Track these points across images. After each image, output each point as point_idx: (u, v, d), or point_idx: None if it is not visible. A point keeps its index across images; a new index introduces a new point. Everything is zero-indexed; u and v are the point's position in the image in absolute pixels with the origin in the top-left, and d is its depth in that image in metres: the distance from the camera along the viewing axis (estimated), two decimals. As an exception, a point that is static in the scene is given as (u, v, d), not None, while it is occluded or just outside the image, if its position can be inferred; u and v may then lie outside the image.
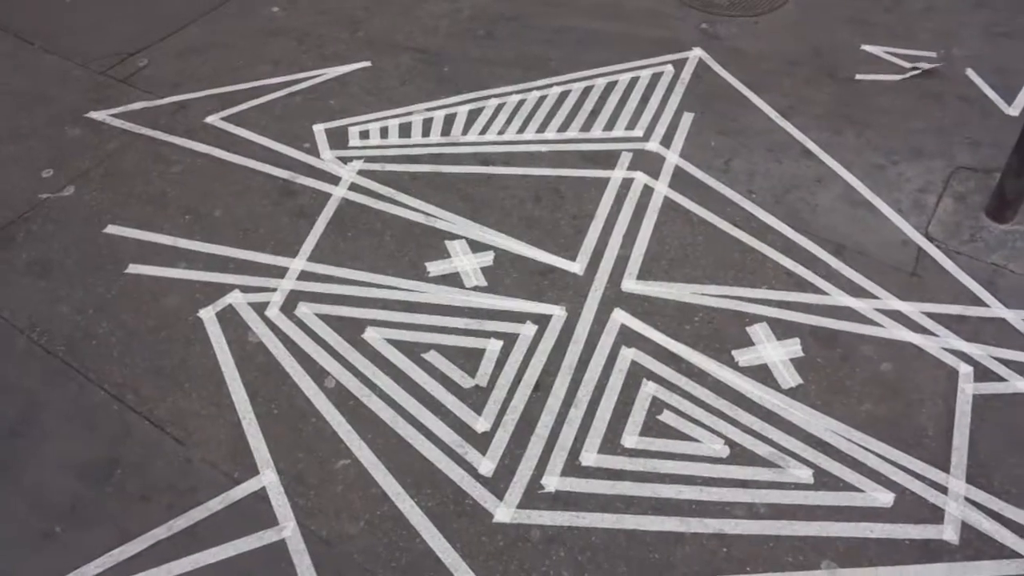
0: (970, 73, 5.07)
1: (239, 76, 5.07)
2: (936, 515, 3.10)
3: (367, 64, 5.17)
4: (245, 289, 3.85)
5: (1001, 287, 3.87)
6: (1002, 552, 3.00)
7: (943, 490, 3.17)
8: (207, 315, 3.74)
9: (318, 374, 3.52)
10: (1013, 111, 4.77)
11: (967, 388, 3.48)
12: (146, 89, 4.97)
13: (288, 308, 3.78)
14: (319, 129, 4.70)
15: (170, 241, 4.06)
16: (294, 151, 4.56)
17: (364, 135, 4.67)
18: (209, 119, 4.75)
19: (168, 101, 4.89)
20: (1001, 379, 3.51)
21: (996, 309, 3.77)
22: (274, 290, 3.85)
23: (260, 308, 3.77)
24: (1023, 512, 3.09)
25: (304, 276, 3.91)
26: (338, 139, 4.65)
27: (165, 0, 5.71)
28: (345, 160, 4.51)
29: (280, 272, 3.93)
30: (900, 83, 5.00)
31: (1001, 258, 3.98)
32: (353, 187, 4.35)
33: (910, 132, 4.68)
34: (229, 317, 3.74)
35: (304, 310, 3.77)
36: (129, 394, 3.46)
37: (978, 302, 3.80)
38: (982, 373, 3.53)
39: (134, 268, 3.94)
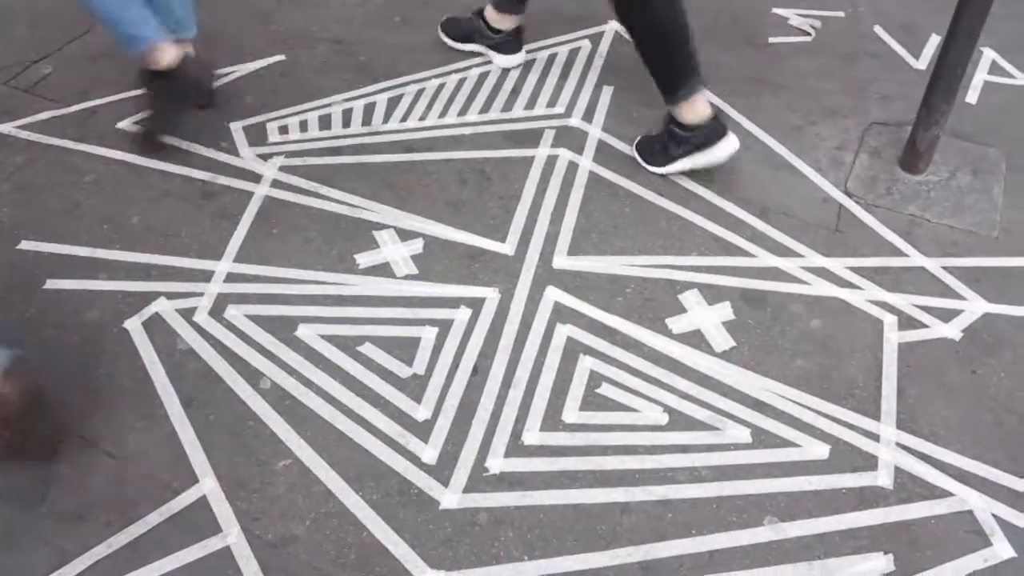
0: (878, 30, 5.18)
1: (149, 78, 4.92)
2: (870, 462, 3.19)
3: (282, 57, 5.08)
4: (171, 296, 3.76)
5: (919, 236, 3.98)
6: (933, 492, 3.10)
7: (875, 438, 3.26)
8: (133, 325, 3.65)
9: (252, 376, 3.47)
10: (920, 65, 4.90)
11: (892, 337, 3.58)
12: (53, 98, 4.80)
13: (217, 312, 3.70)
14: (236, 127, 4.61)
15: (88, 252, 3.94)
16: (211, 151, 4.46)
17: (283, 130, 4.59)
18: (121, 124, 4.62)
19: (77, 109, 4.73)
20: (924, 326, 3.61)
21: (915, 258, 3.88)
22: (201, 295, 3.77)
23: (188, 314, 3.69)
24: (951, 453, 3.20)
25: (231, 278, 3.84)
26: (257, 136, 4.56)
27: (64, 3, 5.50)
28: (265, 157, 4.43)
29: (206, 276, 3.84)
30: (812, 44, 5.09)
31: (917, 208, 4.09)
32: (275, 184, 4.28)
33: (824, 92, 4.77)
34: (156, 326, 3.65)
35: (233, 312, 3.70)
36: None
37: (898, 253, 3.91)
38: (906, 321, 3.64)
39: (52, 283, 3.82)
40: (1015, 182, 4.22)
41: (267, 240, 4.01)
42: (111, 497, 3.11)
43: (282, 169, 4.36)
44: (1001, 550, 2.95)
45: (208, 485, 3.13)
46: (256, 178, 4.31)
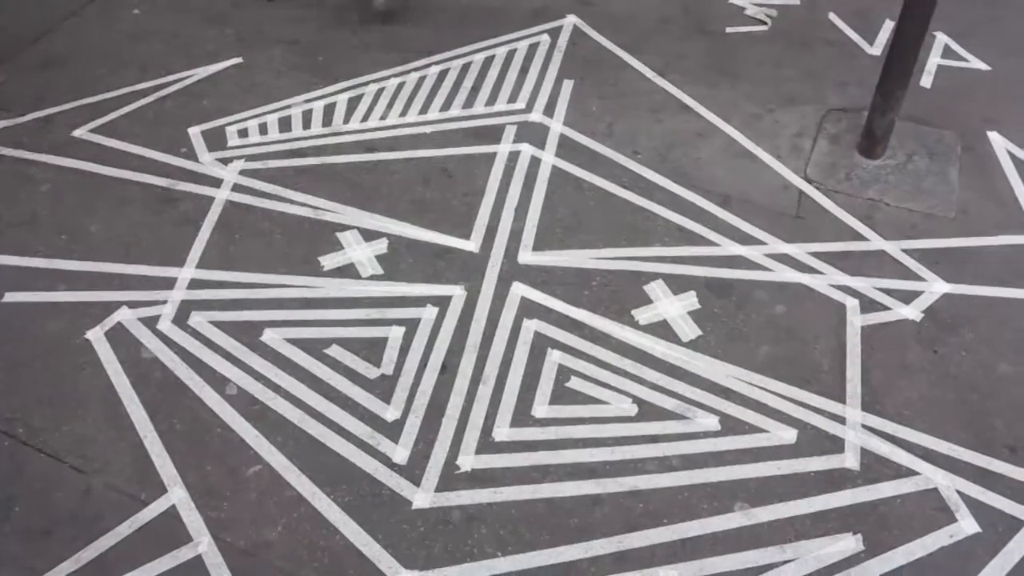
0: (833, 17, 5.24)
1: (104, 85, 4.86)
2: (837, 445, 3.23)
3: (239, 60, 5.03)
4: (133, 305, 3.71)
5: (878, 220, 4.03)
6: (899, 472, 3.14)
7: (841, 421, 3.30)
8: (95, 336, 3.60)
9: (219, 383, 3.44)
10: (875, 51, 4.96)
11: (855, 321, 3.62)
12: (5, 107, 4.72)
13: (181, 319, 3.66)
14: (195, 132, 4.56)
15: (47, 264, 3.88)
16: (171, 157, 4.41)
17: (243, 133, 4.55)
18: (77, 132, 4.55)
19: (31, 118, 4.65)
20: (885, 308, 3.66)
21: (875, 242, 3.93)
22: (164, 302, 3.73)
23: (151, 322, 3.65)
24: (915, 432, 3.25)
25: (194, 284, 3.80)
26: (216, 140, 4.51)
27: (16, 11, 5.41)
28: (225, 161, 4.39)
29: (168, 283, 3.80)
30: (769, 33, 5.13)
31: (876, 193, 4.14)
32: (236, 188, 4.24)
33: (782, 80, 4.82)
34: (119, 335, 3.60)
35: (198, 319, 3.66)
36: (20, 427, 3.31)
37: (858, 237, 3.96)
38: (868, 305, 3.68)
39: (11, 296, 3.75)
40: (970, 164, 4.29)
41: (230, 245, 3.97)
42: (78, 511, 3.07)
43: (243, 173, 4.32)
44: (966, 526, 3.00)
45: (177, 494, 3.10)
46: (216, 183, 4.27)
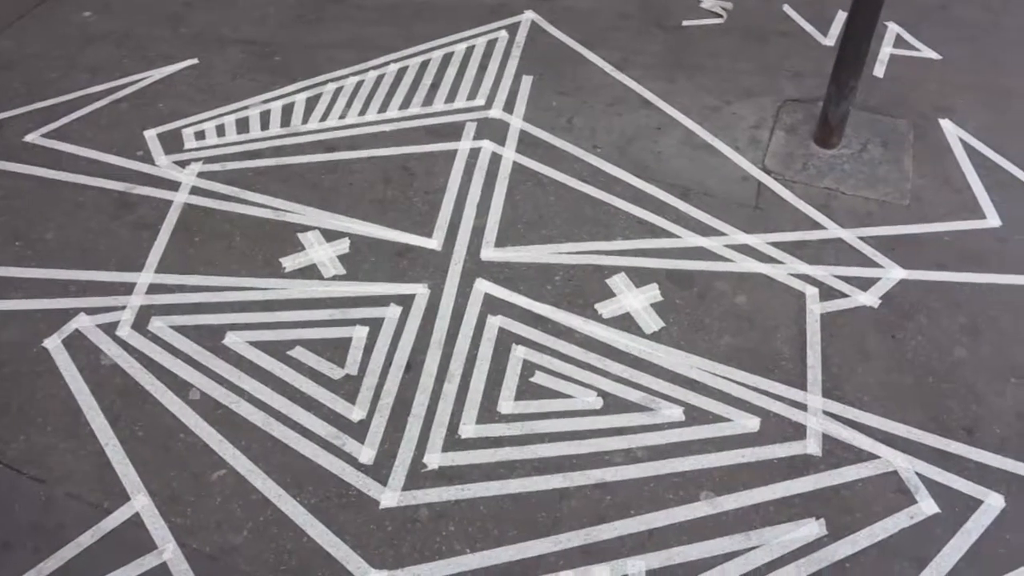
0: (787, 9, 5.30)
1: (57, 88, 4.78)
2: (799, 432, 3.27)
3: (194, 61, 4.97)
4: (91, 311, 3.66)
5: (835, 209, 4.08)
6: (860, 456, 3.19)
7: (803, 408, 3.34)
8: (52, 344, 3.54)
9: (181, 388, 3.40)
10: (829, 41, 5.03)
11: (815, 308, 3.67)
12: (-46, 113, 4.63)
13: (140, 324, 3.62)
14: (151, 135, 4.50)
15: (1, 272, 3.81)
16: (127, 161, 4.35)
17: (200, 135, 4.50)
18: (29, 138, 4.47)
19: (-19, 123, 4.57)
20: (844, 295, 3.72)
21: (833, 230, 3.98)
22: (123, 308, 3.68)
23: (110, 329, 3.60)
24: (875, 416, 3.30)
25: (153, 289, 3.76)
26: (172, 143, 4.46)
27: (-37, 15, 5.32)
28: (183, 164, 4.34)
29: (127, 288, 3.75)
30: (725, 25, 5.18)
31: (832, 181, 4.20)
32: (195, 191, 4.19)
33: (739, 72, 4.86)
34: (77, 343, 3.55)
35: (158, 324, 3.62)
36: (-23, 439, 3.26)
37: (816, 226, 4.01)
38: (826, 292, 3.73)
39: (-35, 305, 3.69)
40: (923, 151, 4.36)
41: (189, 248, 3.93)
42: (38, 522, 3.02)
43: (201, 175, 4.27)
44: (926, 507, 3.06)
45: (140, 502, 3.07)
46: (174, 186, 4.22)
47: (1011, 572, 2.90)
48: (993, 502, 3.07)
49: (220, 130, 4.53)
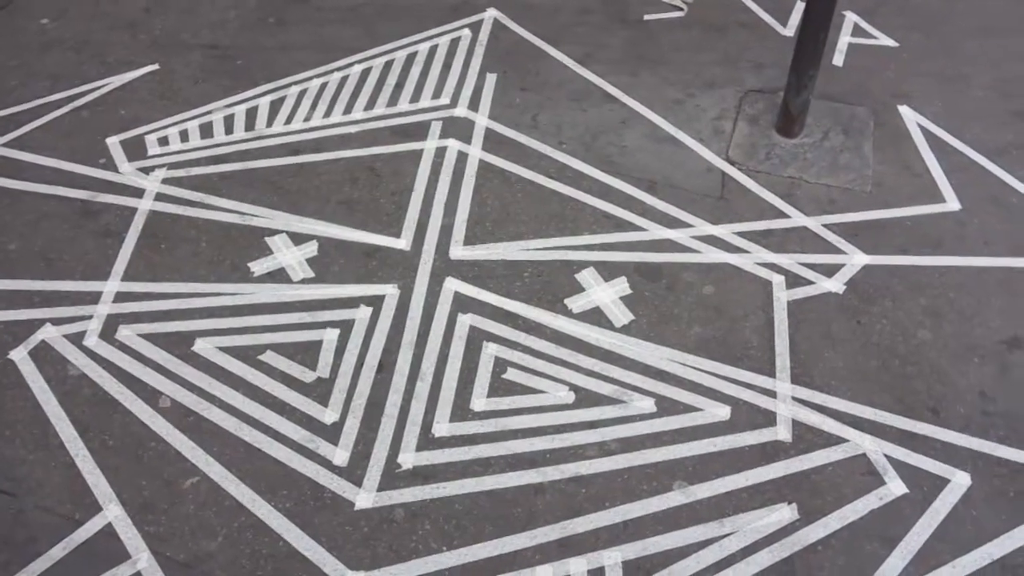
0: (746, 0, 5.34)
1: (16, 97, 4.72)
2: (769, 419, 3.31)
3: (155, 67, 4.92)
4: (57, 322, 3.63)
5: (799, 197, 4.13)
6: (830, 441, 3.24)
7: (772, 395, 3.38)
8: (19, 356, 3.51)
9: (151, 396, 3.38)
10: (788, 32, 5.08)
11: (781, 296, 3.72)
12: (-90, 125, 4.56)
13: (108, 334, 3.59)
14: (113, 142, 4.46)
15: (-36, 285, 3.77)
16: (89, 169, 4.30)
17: (163, 141, 4.46)
18: (-12, 148, 4.42)
19: (-62, 135, 4.50)
20: (809, 282, 3.77)
21: (797, 218, 4.03)
22: (89, 317, 3.64)
23: (77, 339, 3.57)
24: (843, 401, 3.35)
25: (120, 298, 3.72)
26: (136, 149, 4.42)
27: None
28: (147, 170, 4.30)
29: (93, 298, 3.72)
30: (685, 18, 5.22)
31: (795, 170, 4.25)
32: (160, 197, 4.16)
33: (701, 64, 4.90)
34: (44, 354, 3.52)
35: (126, 332, 3.59)
36: (-56, 455, 3.22)
37: (781, 215, 4.05)
38: (792, 280, 3.78)
39: (-73, 320, 3.64)
40: (883, 138, 4.42)
41: (156, 255, 3.90)
42: (9, 536, 2.99)
43: (165, 182, 4.24)
44: (895, 488, 3.11)
45: (113, 512, 3.04)
46: (139, 193, 4.19)
47: (979, 548, 2.95)
48: (960, 480, 3.13)
49: (184, 135, 4.50)
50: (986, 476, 3.14)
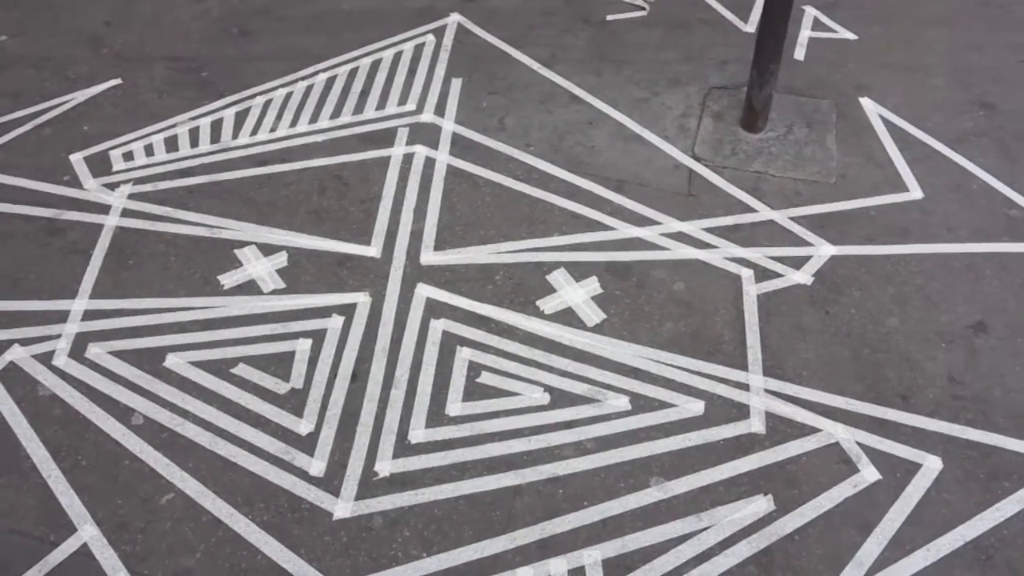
0: (708, -2, 5.41)
1: (-25, 117, 4.67)
2: (743, 412, 3.34)
3: (118, 82, 4.89)
4: (25, 342, 3.59)
5: (765, 191, 4.17)
6: (803, 431, 3.27)
7: (745, 388, 3.41)
8: (-13, 379, 3.47)
9: (123, 414, 3.35)
10: (749, 28, 5.13)
11: (751, 290, 3.75)
12: None
13: (77, 352, 3.55)
14: (77, 158, 4.41)
15: (-72, 309, 3.72)
16: (53, 186, 4.26)
17: (128, 156, 4.43)
18: (-51, 169, 4.36)
19: (-103, 158, 4.44)
20: (778, 275, 3.80)
21: (764, 212, 4.07)
22: (58, 337, 3.61)
23: (46, 359, 3.53)
24: (815, 391, 3.39)
25: (89, 316, 3.69)
26: (100, 165, 4.38)
27: None
28: (112, 186, 4.27)
29: (61, 317, 3.68)
30: (648, 18, 5.25)
31: (761, 165, 4.29)
32: (126, 213, 4.13)
33: (665, 63, 4.94)
34: (12, 375, 3.47)
35: (96, 351, 3.56)
36: (-87, 482, 3.17)
37: (748, 209, 4.09)
38: (761, 273, 3.81)
39: None
40: (846, 130, 4.48)
41: (124, 272, 3.87)
42: (-17, 561, 2.96)
43: (131, 197, 4.21)
44: (868, 475, 3.14)
45: (88, 532, 3.01)
46: (104, 209, 4.15)
47: (952, 531, 3.00)
48: (931, 464, 3.17)
49: (149, 150, 4.46)
50: (957, 459, 3.18)
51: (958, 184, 4.19)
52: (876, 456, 3.20)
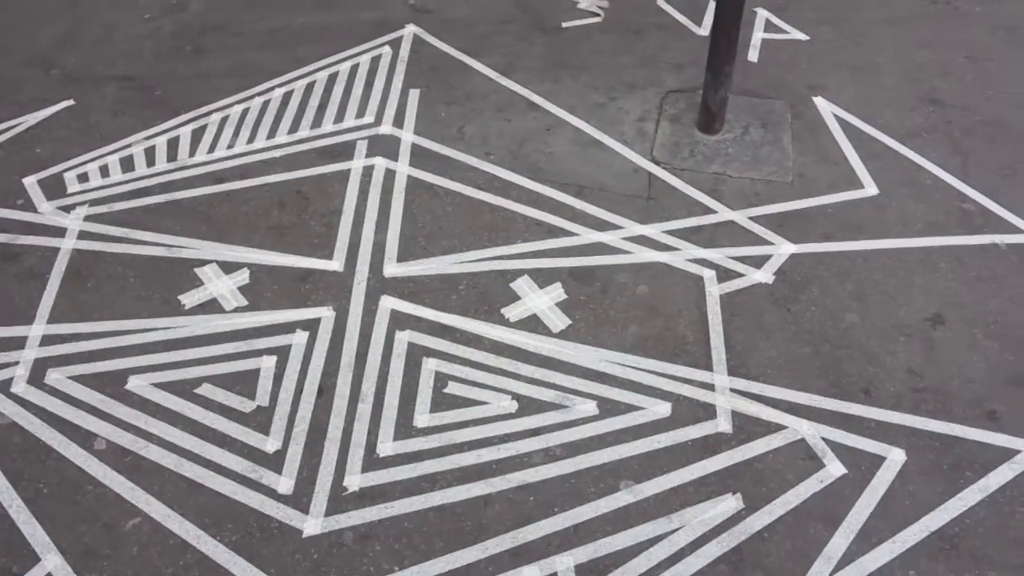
0: (661, 2, 5.45)
1: (-76, 143, 4.58)
2: (709, 412, 3.37)
3: (70, 103, 4.82)
4: (-18, 371, 3.53)
5: (724, 192, 4.22)
6: (769, 428, 3.31)
7: (711, 388, 3.44)
8: (-57, 409, 3.40)
9: (85, 439, 3.30)
10: (703, 31, 5.19)
11: (713, 291, 3.78)
12: None
13: (36, 379, 3.49)
14: (30, 182, 4.35)
15: None
16: (6, 211, 4.19)
17: (83, 178, 4.37)
18: (-102, 197, 4.27)
19: None
20: (740, 275, 3.84)
21: (724, 213, 4.11)
22: (16, 363, 3.54)
23: (4, 386, 3.46)
24: (779, 388, 3.43)
25: (47, 341, 3.63)
26: (55, 188, 4.32)
27: None
28: (67, 208, 4.21)
29: (18, 343, 3.62)
30: (603, 24, 5.29)
31: (719, 166, 4.34)
32: (83, 235, 4.07)
33: (621, 67, 4.98)
34: (-30, 405, 3.42)
35: (55, 376, 3.50)
36: None
37: (708, 211, 4.13)
38: (723, 274, 3.85)
39: None
40: (801, 129, 4.54)
41: (82, 295, 3.82)
42: (-56, 596, 2.90)
43: (88, 219, 4.15)
44: (834, 469, 3.18)
45: (52, 561, 2.96)
46: (60, 232, 4.09)
47: (918, 522, 3.04)
48: (895, 457, 3.22)
49: (104, 170, 4.41)
50: (920, 451, 3.23)
51: (911, 179, 4.26)
52: (841, 451, 3.24)
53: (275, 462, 3.23)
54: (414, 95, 4.79)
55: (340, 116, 4.68)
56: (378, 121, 4.64)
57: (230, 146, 4.52)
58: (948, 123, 4.57)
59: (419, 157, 4.42)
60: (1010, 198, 4.15)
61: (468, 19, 5.35)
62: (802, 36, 5.16)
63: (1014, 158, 4.37)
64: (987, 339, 3.59)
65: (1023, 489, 3.12)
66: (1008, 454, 3.22)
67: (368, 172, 4.35)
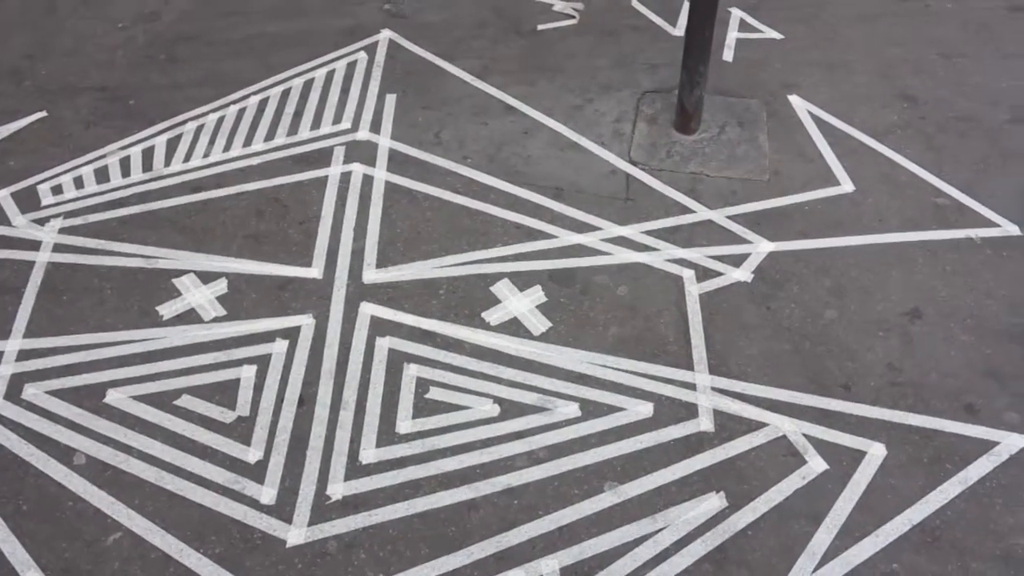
0: (636, 4, 5.47)
1: None
2: (691, 411, 3.38)
3: (43, 114, 4.77)
4: (-43, 387, 3.48)
5: (702, 192, 4.23)
6: (751, 426, 3.32)
7: (692, 387, 3.45)
8: (-82, 427, 3.36)
9: (64, 454, 3.26)
10: (678, 32, 5.21)
11: (693, 290, 3.80)
12: None
13: (13, 394, 3.45)
14: (4, 195, 4.30)
15: None
16: (-20, 225, 4.16)
17: (57, 190, 4.33)
18: None
19: None
20: (719, 274, 3.86)
21: (702, 213, 4.13)
22: (-8, 379, 3.51)
23: (-20, 403, 3.43)
24: (760, 386, 3.44)
25: (24, 355, 3.59)
26: (28, 201, 4.27)
27: None
28: (42, 221, 4.16)
29: (-6, 359, 3.59)
30: (578, 26, 5.30)
31: (696, 166, 4.35)
32: (58, 248, 4.03)
33: (597, 69, 4.98)
34: (-55, 422, 3.37)
35: (32, 391, 3.46)
36: None
37: (686, 210, 4.15)
38: (702, 273, 3.87)
39: None
40: (776, 128, 4.57)
41: (58, 308, 3.78)
42: (-77, 617, 2.86)
43: (63, 231, 4.11)
44: (816, 465, 3.20)
45: (33, 579, 2.94)
46: (35, 245, 4.05)
47: (900, 515, 3.06)
48: (876, 451, 3.24)
49: (78, 182, 4.37)
50: (900, 445, 3.26)
51: (886, 176, 4.30)
52: (822, 447, 3.25)
53: (257, 472, 3.21)
54: (391, 100, 4.78)
55: (317, 123, 4.66)
56: (355, 127, 4.62)
57: (206, 155, 4.49)
58: (922, 119, 4.61)
59: (397, 162, 4.41)
60: (983, 192, 4.20)
61: (444, 23, 5.34)
62: (776, 35, 5.19)
63: (987, 153, 4.41)
64: (964, 333, 3.62)
65: (1002, 480, 3.15)
66: (987, 446, 3.25)
67: (346, 178, 4.33)
